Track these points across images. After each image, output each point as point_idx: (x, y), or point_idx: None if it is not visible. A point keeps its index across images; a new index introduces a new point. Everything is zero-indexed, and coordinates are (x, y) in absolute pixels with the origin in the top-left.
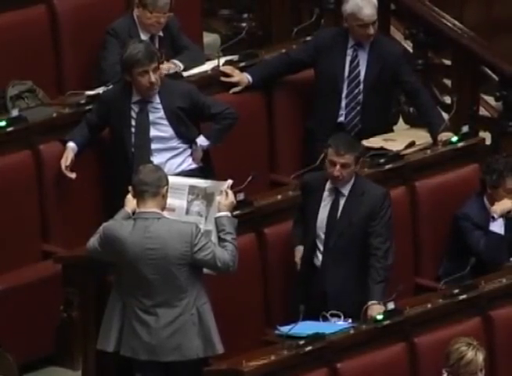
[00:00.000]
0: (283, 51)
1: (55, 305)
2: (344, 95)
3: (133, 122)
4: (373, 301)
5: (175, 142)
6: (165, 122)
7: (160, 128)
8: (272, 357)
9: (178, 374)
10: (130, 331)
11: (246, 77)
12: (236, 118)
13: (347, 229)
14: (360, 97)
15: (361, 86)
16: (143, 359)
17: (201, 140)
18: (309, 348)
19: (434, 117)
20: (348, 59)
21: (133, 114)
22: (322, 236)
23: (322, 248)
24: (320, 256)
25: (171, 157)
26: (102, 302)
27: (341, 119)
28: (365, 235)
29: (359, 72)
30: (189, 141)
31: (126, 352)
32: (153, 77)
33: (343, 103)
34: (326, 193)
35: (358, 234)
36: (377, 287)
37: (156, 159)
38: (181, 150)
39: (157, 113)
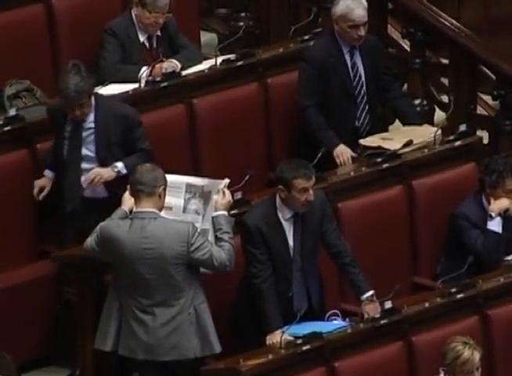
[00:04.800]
0: (305, 106)
1: (53, 305)
2: (358, 100)
3: (67, 138)
4: (367, 294)
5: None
6: (94, 142)
7: (90, 148)
8: (270, 356)
9: (176, 373)
10: (127, 331)
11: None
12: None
13: (312, 243)
14: (366, 98)
15: (364, 87)
16: (141, 359)
17: (121, 166)
18: (307, 347)
19: (406, 107)
20: (349, 65)
21: (67, 131)
22: (294, 261)
23: (293, 273)
24: (293, 280)
25: None
26: (100, 302)
27: (356, 123)
28: (321, 237)
29: (361, 74)
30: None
31: (123, 351)
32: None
33: (358, 109)
34: (285, 223)
35: (317, 239)
36: (361, 278)
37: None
38: None
39: (89, 132)
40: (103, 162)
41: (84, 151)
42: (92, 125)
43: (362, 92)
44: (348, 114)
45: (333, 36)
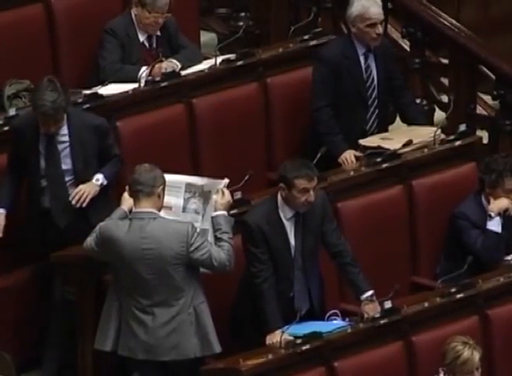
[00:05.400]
0: (317, 107)
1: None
2: (369, 103)
3: (41, 154)
4: (367, 294)
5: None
6: (70, 155)
7: (66, 161)
8: (270, 356)
9: (176, 373)
10: (127, 331)
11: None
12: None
13: (313, 242)
14: (377, 100)
15: (376, 90)
16: (141, 359)
17: (102, 178)
18: (306, 346)
19: (418, 114)
20: (363, 67)
21: (42, 146)
22: (295, 261)
23: (295, 272)
24: (294, 280)
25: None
26: (99, 301)
27: (366, 126)
28: (322, 236)
29: (373, 78)
30: (78, 180)
31: (123, 351)
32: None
33: (368, 111)
34: (287, 223)
35: (318, 239)
36: (361, 278)
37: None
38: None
39: (63, 146)
40: (80, 174)
41: (62, 165)
42: (66, 139)
43: (374, 96)
44: (359, 117)
45: (349, 38)
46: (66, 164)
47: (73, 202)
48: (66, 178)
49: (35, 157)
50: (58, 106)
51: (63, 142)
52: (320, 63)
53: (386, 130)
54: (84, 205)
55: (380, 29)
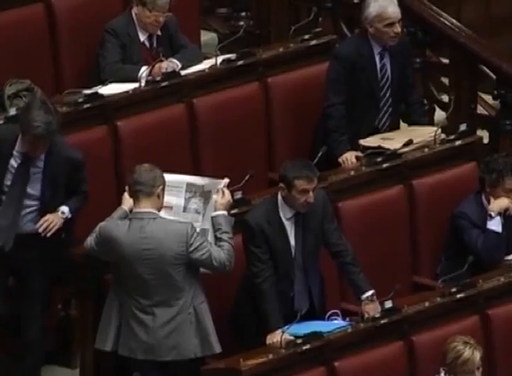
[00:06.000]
0: (330, 103)
1: (53, 304)
2: (382, 102)
3: (11, 172)
4: (367, 294)
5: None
6: (40, 181)
7: (35, 186)
8: (270, 356)
9: (176, 373)
10: (128, 331)
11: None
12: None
13: (313, 242)
14: (390, 100)
15: (390, 89)
16: (141, 359)
17: (67, 211)
18: (307, 346)
19: (419, 115)
20: (378, 66)
21: (13, 163)
22: (296, 260)
23: (295, 272)
24: (295, 280)
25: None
26: (100, 301)
27: (377, 125)
28: (322, 236)
29: (388, 77)
30: (44, 207)
31: (124, 351)
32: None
33: (381, 110)
34: (287, 223)
35: (319, 239)
36: (362, 278)
37: (27, 217)
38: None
39: (36, 170)
40: (47, 202)
41: (28, 189)
42: (41, 164)
43: (387, 95)
44: (371, 115)
45: (365, 37)
46: (32, 189)
47: (40, 230)
48: (28, 202)
49: (2, 172)
50: (52, 129)
51: (37, 166)
52: (336, 60)
53: (397, 129)
54: (48, 235)
55: (398, 28)
